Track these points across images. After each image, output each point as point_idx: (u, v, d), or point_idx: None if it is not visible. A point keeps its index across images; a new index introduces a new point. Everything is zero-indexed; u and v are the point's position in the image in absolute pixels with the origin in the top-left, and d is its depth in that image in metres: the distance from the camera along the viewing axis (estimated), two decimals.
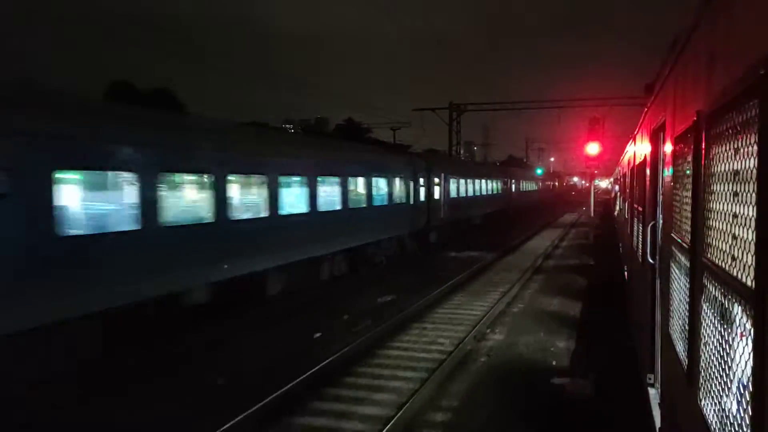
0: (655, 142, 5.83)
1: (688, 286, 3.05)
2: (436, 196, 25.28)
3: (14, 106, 7.73)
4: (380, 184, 19.44)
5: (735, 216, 2.07)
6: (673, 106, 4.12)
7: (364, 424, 7.10)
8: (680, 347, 3.29)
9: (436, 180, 25.45)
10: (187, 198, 11.22)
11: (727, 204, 2.18)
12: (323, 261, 15.74)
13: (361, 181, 17.84)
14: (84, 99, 11.54)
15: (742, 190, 1.95)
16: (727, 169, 2.22)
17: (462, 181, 29.72)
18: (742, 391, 1.89)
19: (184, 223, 10.53)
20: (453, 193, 28.23)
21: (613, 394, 7.75)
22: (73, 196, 8.64)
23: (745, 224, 1.87)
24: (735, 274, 2.00)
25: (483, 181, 34.37)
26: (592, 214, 36.52)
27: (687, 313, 3.02)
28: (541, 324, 11.94)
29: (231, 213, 11.56)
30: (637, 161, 8.98)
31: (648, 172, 6.66)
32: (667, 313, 4.10)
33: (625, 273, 12.96)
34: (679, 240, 3.50)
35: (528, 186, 55.06)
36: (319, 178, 14.88)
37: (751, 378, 1.75)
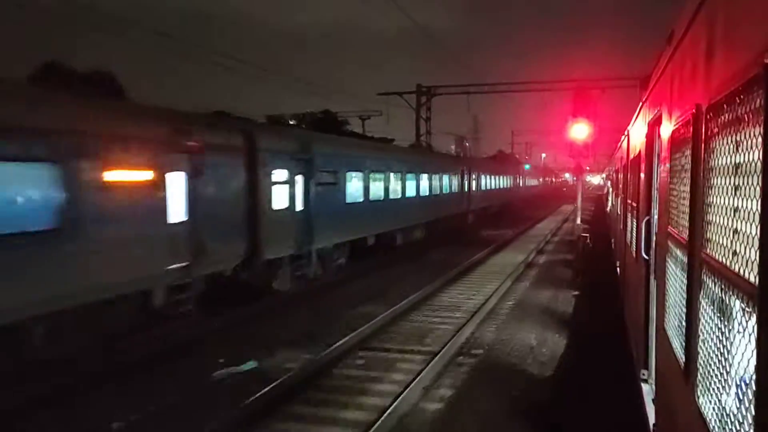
0: (651, 135, 5.80)
1: (685, 281, 3.01)
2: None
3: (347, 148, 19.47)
4: None
5: (736, 210, 2.03)
6: (670, 99, 4.08)
7: None
8: (677, 343, 3.26)
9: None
10: (376, 186, 20.34)
11: (728, 198, 2.14)
12: (413, 228, 24.24)
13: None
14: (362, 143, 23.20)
15: (744, 183, 1.90)
16: (727, 162, 2.18)
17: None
18: (744, 389, 1.85)
19: (376, 200, 20.05)
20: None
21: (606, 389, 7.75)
22: (353, 184, 18.48)
23: (748, 218, 1.82)
24: (736, 269, 1.96)
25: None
26: (579, 221, 21.42)
27: (684, 309, 2.99)
28: None
29: (390, 195, 21.34)
30: (631, 156, 8.96)
31: (643, 166, 6.63)
32: (663, 309, 4.07)
33: (618, 269, 12.97)
34: (676, 235, 3.46)
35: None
36: (408, 175, 23.22)
37: (754, 376, 1.71)
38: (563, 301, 14.23)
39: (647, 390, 5.45)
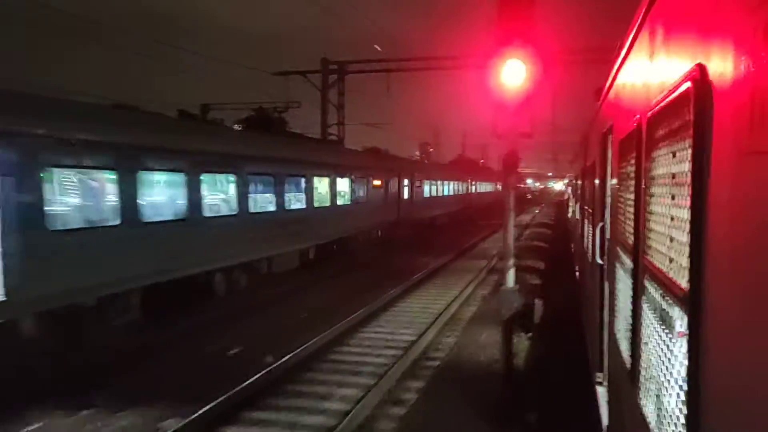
0: (604, 145, 5.96)
1: (631, 286, 3.11)
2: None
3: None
4: None
5: (672, 218, 2.11)
6: (618, 111, 4.21)
7: None
8: (624, 347, 3.36)
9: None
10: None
11: (665, 206, 2.22)
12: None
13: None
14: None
15: (679, 193, 1.99)
16: (665, 172, 2.27)
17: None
18: (678, 391, 1.92)
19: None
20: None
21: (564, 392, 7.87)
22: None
23: (681, 227, 1.90)
24: (671, 275, 2.04)
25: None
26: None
27: (630, 313, 3.08)
28: None
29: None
30: (588, 163, 9.18)
31: (597, 174, 6.80)
32: (613, 312, 4.18)
33: (577, 274, 13.23)
34: (623, 241, 3.57)
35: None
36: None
37: (686, 378, 1.78)
38: None
39: (602, 392, 5.58)
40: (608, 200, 5.62)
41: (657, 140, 2.45)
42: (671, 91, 2.05)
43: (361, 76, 31.28)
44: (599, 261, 5.97)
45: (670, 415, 2.01)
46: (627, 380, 3.06)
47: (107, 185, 10.74)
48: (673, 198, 2.11)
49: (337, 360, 10.16)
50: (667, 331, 2.15)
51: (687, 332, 1.79)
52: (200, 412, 7.52)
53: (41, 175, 9.22)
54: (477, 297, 15.34)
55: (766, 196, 1.22)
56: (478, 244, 28.71)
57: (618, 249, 3.91)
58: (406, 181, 29.12)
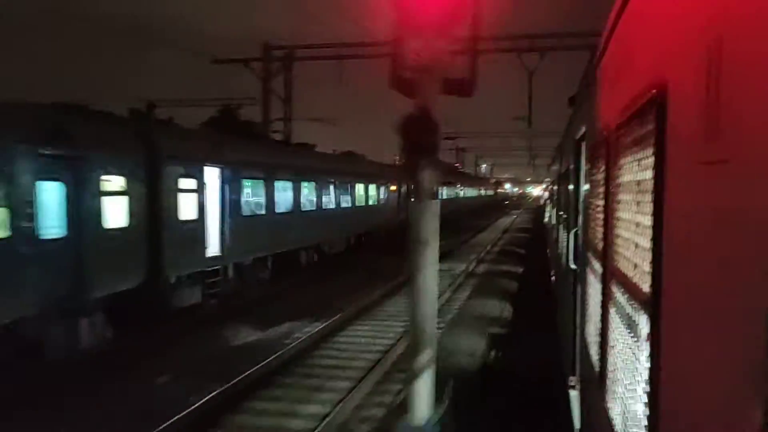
0: (577, 152, 6.05)
1: (600, 291, 3.17)
2: None
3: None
4: None
5: (637, 225, 2.16)
6: (590, 119, 4.29)
7: None
8: (593, 350, 3.42)
9: None
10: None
11: (631, 213, 2.28)
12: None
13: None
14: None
15: (643, 200, 2.04)
16: (631, 179, 2.32)
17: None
18: (641, 395, 1.97)
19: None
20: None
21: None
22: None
23: (644, 233, 1.95)
24: (636, 281, 2.09)
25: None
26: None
27: (599, 318, 3.14)
28: None
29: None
30: (563, 170, 9.31)
31: (571, 180, 6.90)
32: (584, 317, 4.25)
33: (552, 278, 13.38)
34: (593, 247, 3.64)
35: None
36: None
37: (648, 381, 1.82)
38: None
39: (575, 396, 5.64)
40: (581, 206, 5.70)
41: (622, 149, 2.51)
42: (633, 103, 2.11)
43: (319, 65, 26.67)
44: (573, 266, 6.05)
45: (633, 418, 2.05)
46: (596, 384, 3.12)
47: (260, 189, 16.90)
48: (637, 205, 2.16)
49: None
50: (632, 335, 2.20)
51: (648, 336, 1.83)
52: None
53: (239, 184, 15.61)
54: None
55: (718, 203, 1.27)
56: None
57: (589, 254, 3.98)
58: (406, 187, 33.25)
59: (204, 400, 8.24)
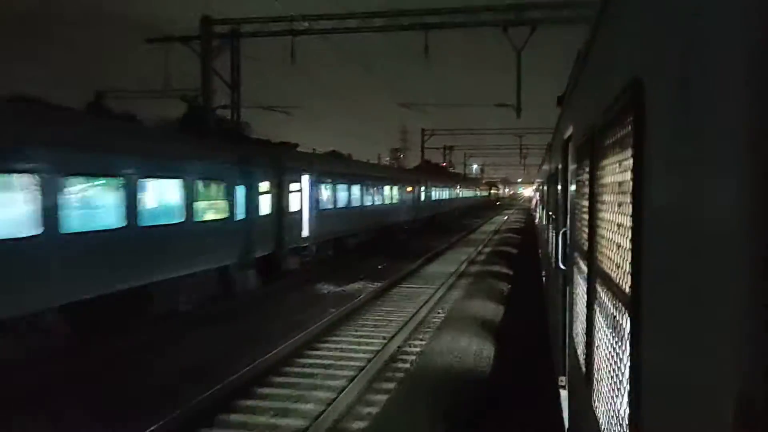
0: (565, 152, 6.08)
1: (586, 291, 3.18)
2: None
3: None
4: None
5: (619, 225, 2.18)
6: (576, 119, 4.31)
7: None
8: (580, 350, 3.43)
9: None
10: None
11: (613, 214, 2.29)
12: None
13: None
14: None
15: (624, 200, 2.05)
16: (613, 180, 2.34)
17: None
18: (623, 392, 1.98)
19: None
20: None
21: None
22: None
23: (625, 234, 1.97)
24: (618, 280, 2.10)
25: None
26: None
27: (585, 317, 3.15)
28: None
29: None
30: (552, 170, 9.35)
31: (560, 180, 6.93)
32: (572, 317, 4.27)
33: (543, 278, 13.42)
34: (579, 247, 3.66)
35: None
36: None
37: (630, 379, 1.84)
38: None
39: (564, 396, 5.67)
40: (569, 206, 5.73)
41: (604, 150, 2.53)
42: (614, 102, 2.12)
43: (270, 43, 22.10)
44: (562, 266, 6.08)
45: (619, 417, 2.07)
46: (583, 383, 3.13)
47: (327, 190, 23.10)
48: (619, 206, 2.18)
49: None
50: (615, 334, 2.22)
51: (630, 335, 1.85)
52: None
53: (319, 187, 21.78)
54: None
55: (695, 202, 1.28)
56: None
57: (576, 254, 4.00)
58: (421, 188, 40.29)
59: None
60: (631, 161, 1.87)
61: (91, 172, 10.99)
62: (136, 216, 11.68)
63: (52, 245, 9.71)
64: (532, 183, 73.69)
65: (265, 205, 17.62)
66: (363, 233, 27.70)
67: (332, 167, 24.25)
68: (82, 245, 10.36)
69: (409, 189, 36.91)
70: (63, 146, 10.18)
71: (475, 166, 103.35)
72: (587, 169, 3.24)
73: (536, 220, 28.62)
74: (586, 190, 3.25)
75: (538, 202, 27.38)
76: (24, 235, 9.25)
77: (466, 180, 75.48)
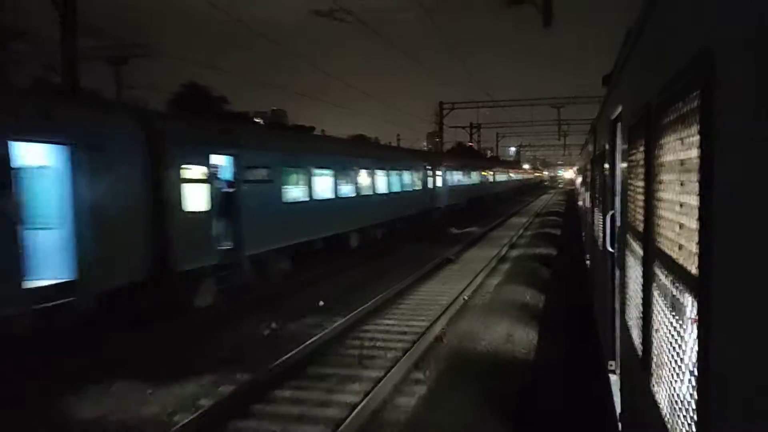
0: (612, 132, 5.93)
1: (641, 273, 3.11)
2: None
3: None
4: None
5: (681, 205, 2.11)
6: (627, 98, 4.19)
7: None
8: (635, 334, 3.36)
9: None
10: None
11: (675, 193, 2.22)
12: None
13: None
14: None
15: (688, 179, 1.99)
16: (674, 158, 2.26)
17: None
18: (689, 377, 1.93)
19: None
20: None
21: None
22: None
23: (690, 213, 1.90)
24: (681, 262, 2.04)
25: None
26: None
27: (641, 300, 3.08)
28: None
29: None
30: (597, 151, 9.14)
31: (607, 161, 6.77)
32: (624, 300, 4.18)
33: (587, 261, 13.20)
34: (633, 229, 3.57)
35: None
36: None
37: (697, 363, 1.79)
38: None
39: (615, 380, 5.58)
40: (618, 188, 5.59)
41: (664, 127, 2.45)
42: (679, 77, 2.05)
43: None
44: (610, 249, 5.96)
45: (682, 401, 2.02)
46: (639, 367, 3.07)
47: (450, 175, 36.78)
48: (682, 185, 2.11)
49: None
50: (677, 317, 2.16)
51: (697, 318, 1.79)
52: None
53: (450, 174, 36.89)
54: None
55: None
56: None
57: (628, 236, 3.91)
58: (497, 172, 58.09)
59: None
60: (697, 138, 1.81)
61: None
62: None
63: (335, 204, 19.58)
64: (572, 165, 72.05)
65: (428, 182, 31.46)
66: (469, 201, 41.75)
67: (452, 162, 39.15)
68: (344, 204, 20.30)
69: (489, 173, 54.85)
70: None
71: (512, 149, 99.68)
72: (642, 149, 3.14)
73: (579, 203, 28.14)
74: (641, 170, 3.16)
75: (581, 185, 26.89)
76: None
77: (524, 170, 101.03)
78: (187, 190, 12.22)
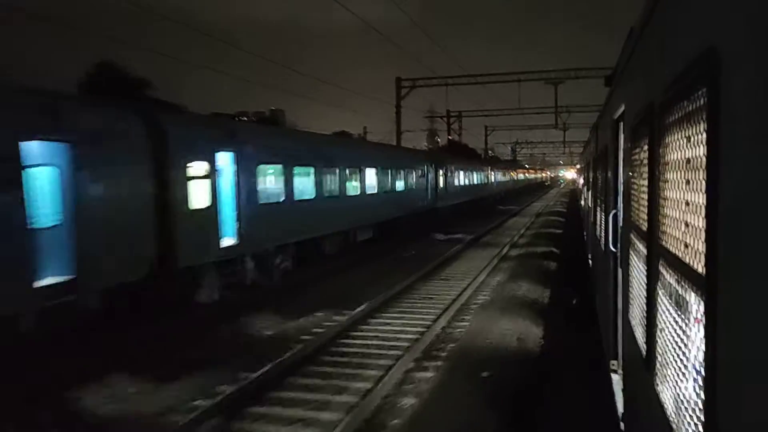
0: (615, 131, 5.92)
1: (645, 272, 3.10)
2: None
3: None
4: None
5: (687, 203, 2.10)
6: (629, 97, 4.18)
7: None
8: (639, 333, 3.35)
9: None
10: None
11: (680, 192, 2.21)
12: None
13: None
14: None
15: (694, 177, 1.97)
16: (679, 157, 2.25)
17: None
18: (695, 377, 1.92)
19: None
20: None
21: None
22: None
23: (696, 211, 1.89)
24: (687, 261, 2.03)
25: None
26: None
27: (644, 300, 3.07)
28: None
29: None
30: (599, 150, 9.13)
31: (609, 160, 6.76)
32: (627, 299, 4.17)
33: (590, 260, 13.19)
34: (636, 228, 3.56)
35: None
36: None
37: (703, 363, 1.77)
38: None
39: (617, 380, 5.57)
40: (621, 187, 5.58)
41: (668, 126, 2.44)
42: (684, 75, 2.04)
43: None
44: (612, 248, 5.95)
45: (688, 401, 2.01)
46: (642, 367, 3.06)
47: (454, 177, 38.07)
48: (687, 183, 2.09)
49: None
50: (683, 316, 2.15)
51: (703, 317, 1.78)
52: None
53: (454, 174, 38.07)
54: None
55: None
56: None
57: (632, 236, 3.90)
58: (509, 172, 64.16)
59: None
60: (703, 136, 1.79)
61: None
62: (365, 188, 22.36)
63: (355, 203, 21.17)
64: (574, 165, 71.91)
65: (430, 183, 31.72)
66: (476, 200, 43.98)
67: (460, 164, 41.07)
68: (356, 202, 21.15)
69: (503, 173, 62.01)
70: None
71: (510, 148, 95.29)
72: (645, 147, 3.13)
73: (581, 202, 28.12)
74: (645, 168, 3.14)
75: (582, 184, 26.85)
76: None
77: (526, 170, 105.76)
78: (189, 186, 12.11)
